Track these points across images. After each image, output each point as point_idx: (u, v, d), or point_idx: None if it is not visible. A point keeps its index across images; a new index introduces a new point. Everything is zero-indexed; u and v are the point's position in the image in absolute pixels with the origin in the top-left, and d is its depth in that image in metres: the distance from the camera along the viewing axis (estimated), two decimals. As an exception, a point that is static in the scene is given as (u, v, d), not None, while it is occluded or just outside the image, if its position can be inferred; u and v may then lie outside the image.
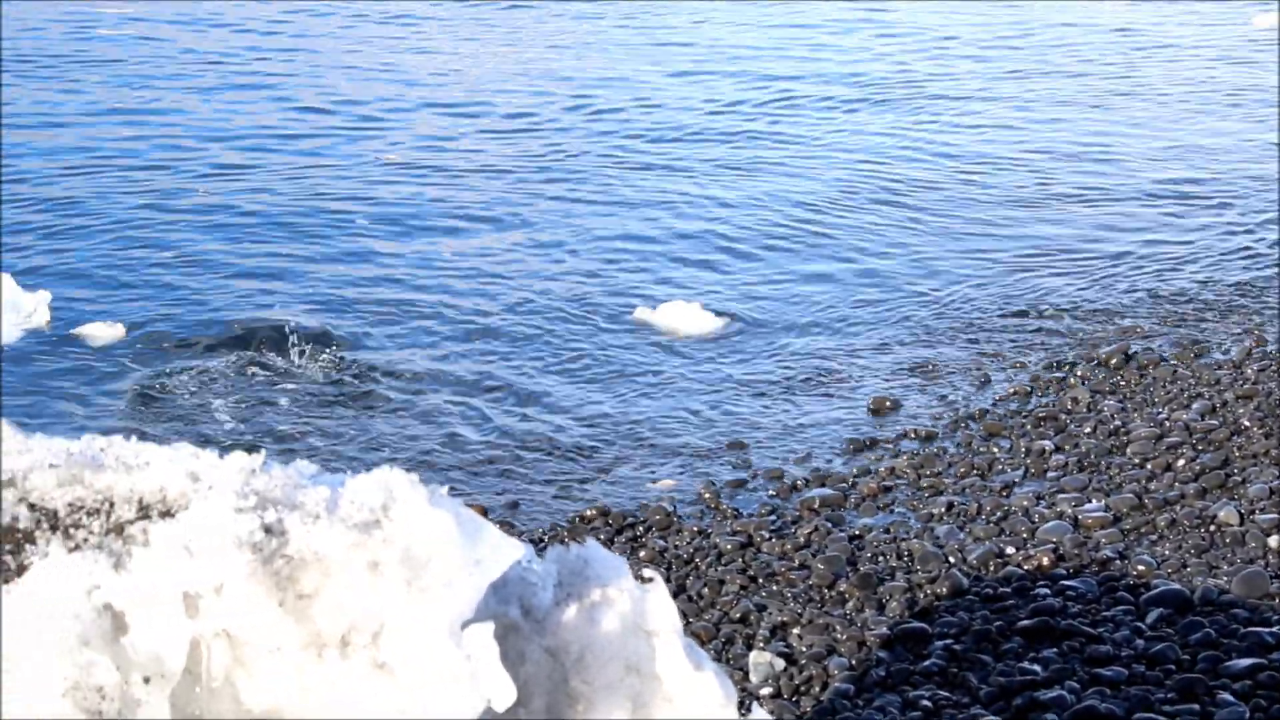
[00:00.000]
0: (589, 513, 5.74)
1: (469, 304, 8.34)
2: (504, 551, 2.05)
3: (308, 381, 7.16)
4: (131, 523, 1.87)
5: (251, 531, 1.84)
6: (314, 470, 2.06)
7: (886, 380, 7.24)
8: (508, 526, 5.57)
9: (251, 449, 2.02)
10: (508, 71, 14.90)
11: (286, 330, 7.60)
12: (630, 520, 5.63)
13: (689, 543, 5.36)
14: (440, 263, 9.08)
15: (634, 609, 2.19)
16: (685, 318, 7.94)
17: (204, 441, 6.20)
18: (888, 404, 6.91)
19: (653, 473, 6.25)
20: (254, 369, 7.29)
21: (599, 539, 5.38)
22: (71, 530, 1.86)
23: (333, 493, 1.96)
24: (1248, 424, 6.12)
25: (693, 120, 12.80)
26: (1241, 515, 5.21)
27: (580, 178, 10.89)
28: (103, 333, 7.61)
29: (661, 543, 5.38)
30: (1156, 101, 13.66)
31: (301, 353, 7.43)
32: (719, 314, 8.04)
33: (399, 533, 1.92)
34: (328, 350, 7.52)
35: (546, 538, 5.49)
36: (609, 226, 9.80)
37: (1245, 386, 6.57)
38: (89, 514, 1.88)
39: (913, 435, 6.51)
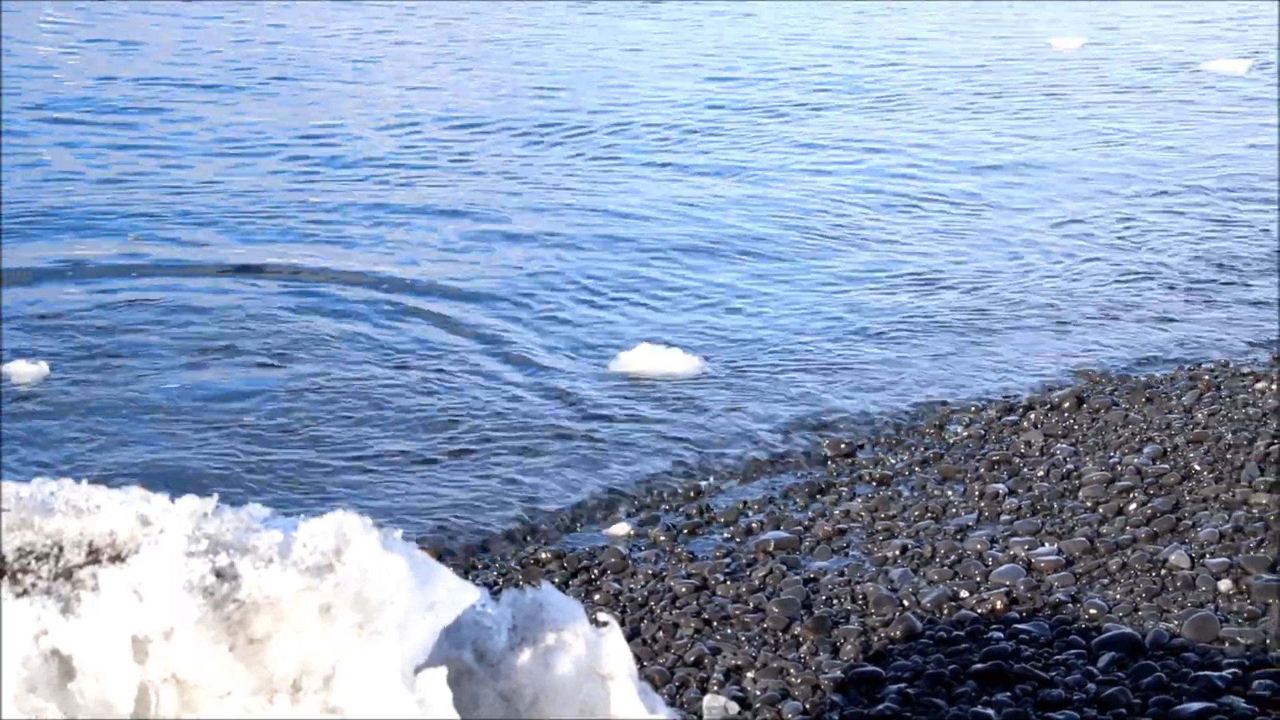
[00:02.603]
0: (544, 555, 5.72)
1: (425, 340, 8.32)
2: (458, 595, 2.05)
3: (260, 421, 7.11)
4: (81, 567, 1.86)
5: (203, 576, 1.83)
6: (266, 514, 2.06)
7: (842, 423, 7.26)
8: (462, 570, 5.55)
9: (202, 492, 2.01)
10: (476, 86, 14.94)
11: (235, 366, 7.56)
12: (585, 563, 5.62)
13: (644, 586, 5.35)
14: (396, 293, 9.08)
15: (589, 653, 2.19)
16: (649, 359, 7.96)
17: (152, 482, 6.15)
18: (843, 446, 6.94)
19: (608, 515, 6.24)
20: (198, 406, 7.23)
21: (554, 582, 5.37)
22: (19, 575, 1.85)
23: (285, 536, 1.96)
24: (1198, 468, 6.18)
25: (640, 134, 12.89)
26: (1192, 559, 5.25)
27: (528, 210, 10.92)
28: (26, 371, 7.50)
29: (616, 586, 5.37)
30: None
31: (254, 392, 7.38)
32: (683, 354, 8.04)
33: (351, 577, 1.91)
34: (282, 389, 7.48)
35: (501, 581, 5.47)
36: (573, 263, 9.84)
37: (1196, 430, 6.63)
38: (38, 559, 1.86)
39: (868, 479, 6.54)
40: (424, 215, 11.01)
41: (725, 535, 5.93)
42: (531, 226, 10.78)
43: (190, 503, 1.94)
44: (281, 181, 11.77)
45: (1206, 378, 7.56)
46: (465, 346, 8.29)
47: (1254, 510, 5.64)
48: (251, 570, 1.87)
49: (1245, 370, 7.67)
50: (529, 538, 6.03)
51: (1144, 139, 13.78)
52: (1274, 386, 7.20)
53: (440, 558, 5.59)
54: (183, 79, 15.64)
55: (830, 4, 23.02)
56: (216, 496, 1.99)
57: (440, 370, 7.88)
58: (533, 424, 7.20)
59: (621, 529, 6.06)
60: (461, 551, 5.85)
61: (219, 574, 1.84)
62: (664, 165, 12.69)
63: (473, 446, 6.91)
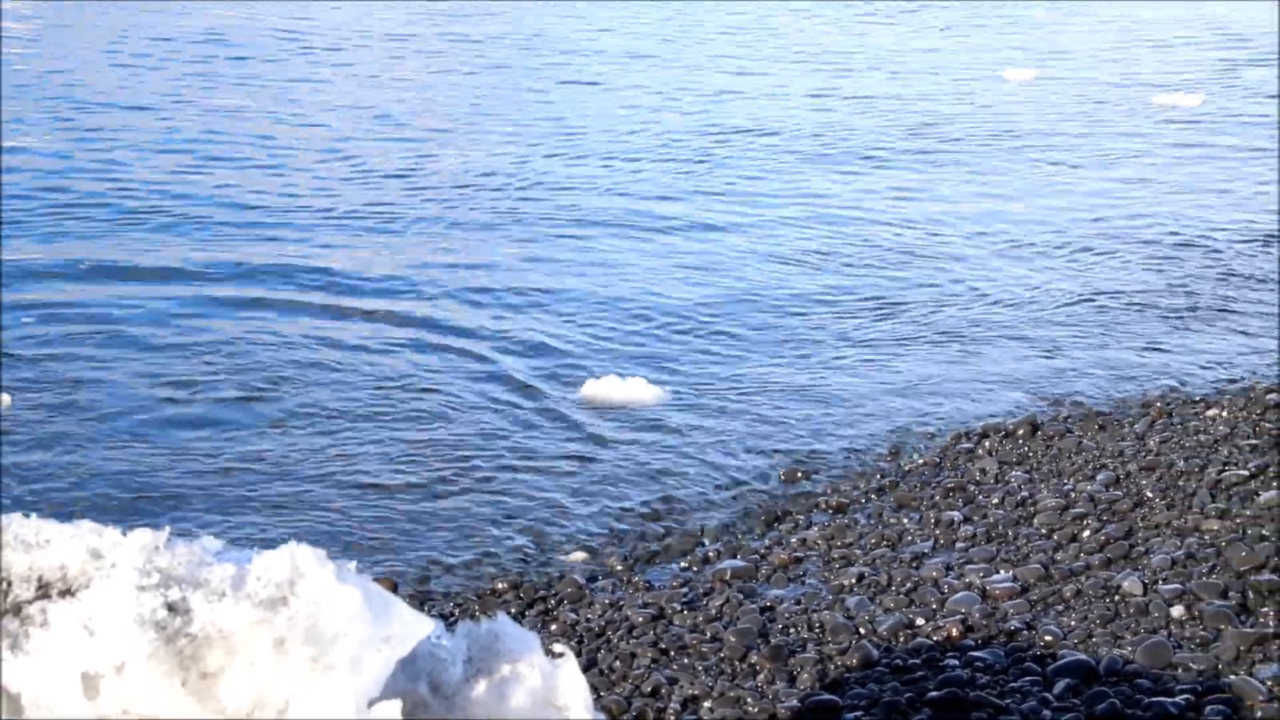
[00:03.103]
0: (501, 586, 5.71)
1: (384, 369, 8.30)
2: (413, 627, 2.05)
3: (219, 450, 7.07)
4: (30, 602, 1.84)
5: (154, 610, 1.82)
6: (219, 546, 2.05)
7: (800, 451, 7.28)
8: (418, 601, 5.53)
9: (154, 525, 2.00)
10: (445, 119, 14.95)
11: (196, 393, 7.51)
12: (542, 593, 5.61)
13: (601, 615, 5.35)
14: (361, 318, 9.06)
15: (544, 684, 2.19)
16: (614, 389, 7.96)
17: (110, 517, 6.11)
18: (799, 475, 6.96)
19: (566, 545, 6.23)
20: (158, 434, 7.18)
21: (510, 612, 5.36)
22: (-32, 610, 1.83)
23: (238, 569, 1.95)
24: (1151, 495, 6.23)
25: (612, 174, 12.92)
26: (1145, 585, 5.28)
27: (488, 241, 10.92)
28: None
29: (573, 616, 5.36)
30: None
31: (215, 420, 7.34)
32: (647, 384, 8.05)
33: (305, 609, 1.91)
34: (237, 417, 7.44)
35: (458, 612, 5.45)
36: (540, 292, 9.85)
37: (1148, 458, 6.69)
38: (-14, 593, 1.85)
39: (824, 507, 6.56)
40: (386, 235, 11.00)
41: (682, 564, 5.93)
42: (497, 252, 10.79)
43: (142, 536, 1.93)
44: (234, 192, 11.74)
45: (1158, 405, 7.63)
46: (426, 375, 8.27)
47: (1205, 537, 5.68)
48: (204, 604, 1.86)
49: (1196, 398, 7.74)
50: (486, 568, 6.02)
51: (1095, 169, 13.92)
52: (1225, 413, 7.28)
53: (396, 589, 5.59)
54: (147, 83, 15.57)
55: (777, 33, 23.19)
56: (169, 529, 1.97)
57: (399, 399, 7.87)
58: (492, 454, 7.19)
59: (579, 558, 6.06)
60: (417, 582, 5.83)
61: (171, 608, 1.83)
62: (627, 193, 12.72)
63: (429, 476, 6.89)
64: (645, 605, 5.39)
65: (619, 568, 5.88)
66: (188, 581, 1.89)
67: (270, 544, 2.12)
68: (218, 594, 1.88)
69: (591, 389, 7.99)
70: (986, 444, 7.19)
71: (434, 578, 5.89)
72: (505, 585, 5.69)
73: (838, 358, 8.65)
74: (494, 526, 6.39)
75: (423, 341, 8.83)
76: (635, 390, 7.95)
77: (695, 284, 10.14)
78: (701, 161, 14.04)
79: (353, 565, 2.08)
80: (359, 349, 8.62)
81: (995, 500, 6.37)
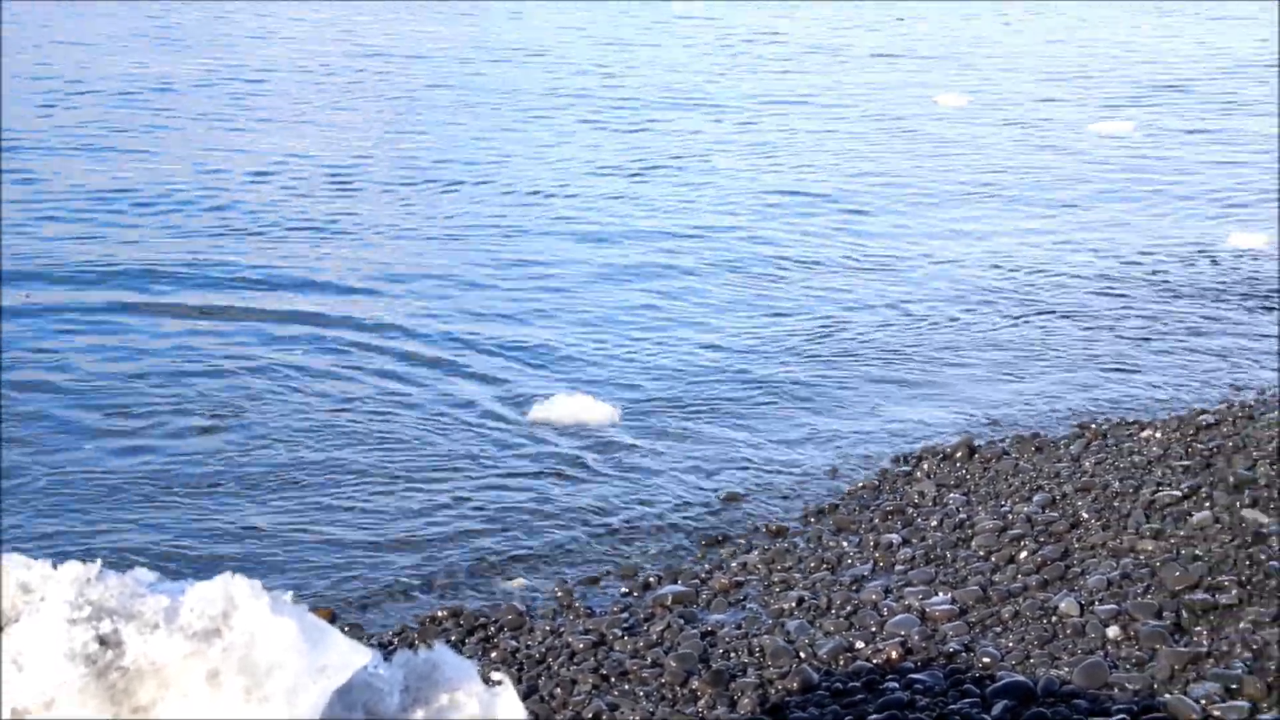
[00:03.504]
0: (440, 613, 5.68)
1: (329, 391, 8.25)
2: (349, 657, 2.03)
3: (155, 478, 6.99)
4: (-42, 637, 1.81)
5: (85, 644, 1.79)
6: (153, 578, 2.03)
7: (741, 473, 7.30)
8: (356, 630, 5.49)
9: (86, 556, 1.97)
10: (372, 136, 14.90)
11: (132, 420, 7.43)
12: (482, 620, 5.58)
13: (541, 642, 5.33)
14: (299, 339, 9.00)
15: (482, 713, 2.18)
16: (565, 408, 7.94)
17: (43, 549, 6.04)
18: (740, 497, 6.98)
19: (507, 571, 6.21)
20: (89, 467, 7.10)
21: (450, 640, 5.33)
22: (-106, 645, 1.80)
23: (172, 601, 1.93)
24: (1086, 516, 6.29)
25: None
26: (1082, 606, 5.33)
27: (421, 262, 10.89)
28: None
29: (514, 643, 5.34)
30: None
31: (149, 449, 7.26)
32: (597, 402, 8.04)
33: (240, 641, 1.89)
34: (175, 446, 7.36)
35: (397, 640, 5.41)
36: (492, 311, 9.85)
37: (1083, 479, 6.76)
38: (-87, 628, 1.82)
39: (764, 530, 6.58)
40: (329, 256, 10.95)
41: (623, 590, 5.93)
42: (447, 271, 10.78)
43: (73, 569, 1.90)
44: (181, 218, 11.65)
45: (1094, 426, 7.72)
46: (369, 397, 8.22)
47: (1140, 557, 5.75)
48: (136, 636, 1.84)
49: (1130, 419, 7.83)
50: (426, 595, 5.98)
51: (1027, 192, 14.08)
52: (1158, 435, 7.37)
53: (334, 619, 5.55)
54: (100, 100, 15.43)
55: (713, 59, 23.32)
56: (100, 562, 1.95)
57: (340, 423, 7.81)
58: (434, 478, 7.15)
59: (520, 584, 6.04)
60: (357, 611, 5.79)
61: (102, 641, 1.81)
62: (577, 214, 12.73)
63: (370, 503, 6.85)
64: (586, 631, 5.38)
65: (560, 593, 5.87)
66: (120, 614, 1.87)
67: (204, 573, 2.10)
68: (150, 626, 1.86)
69: (541, 410, 7.98)
70: (924, 466, 7.24)
71: (374, 605, 5.85)
72: (445, 612, 5.67)
73: (778, 379, 8.69)
74: (436, 552, 6.35)
75: (365, 363, 8.78)
76: (584, 410, 7.94)
77: (646, 305, 10.14)
78: (636, 178, 14.08)
79: (288, 595, 2.07)
80: (299, 370, 8.56)
81: (933, 522, 6.41)
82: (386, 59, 21.93)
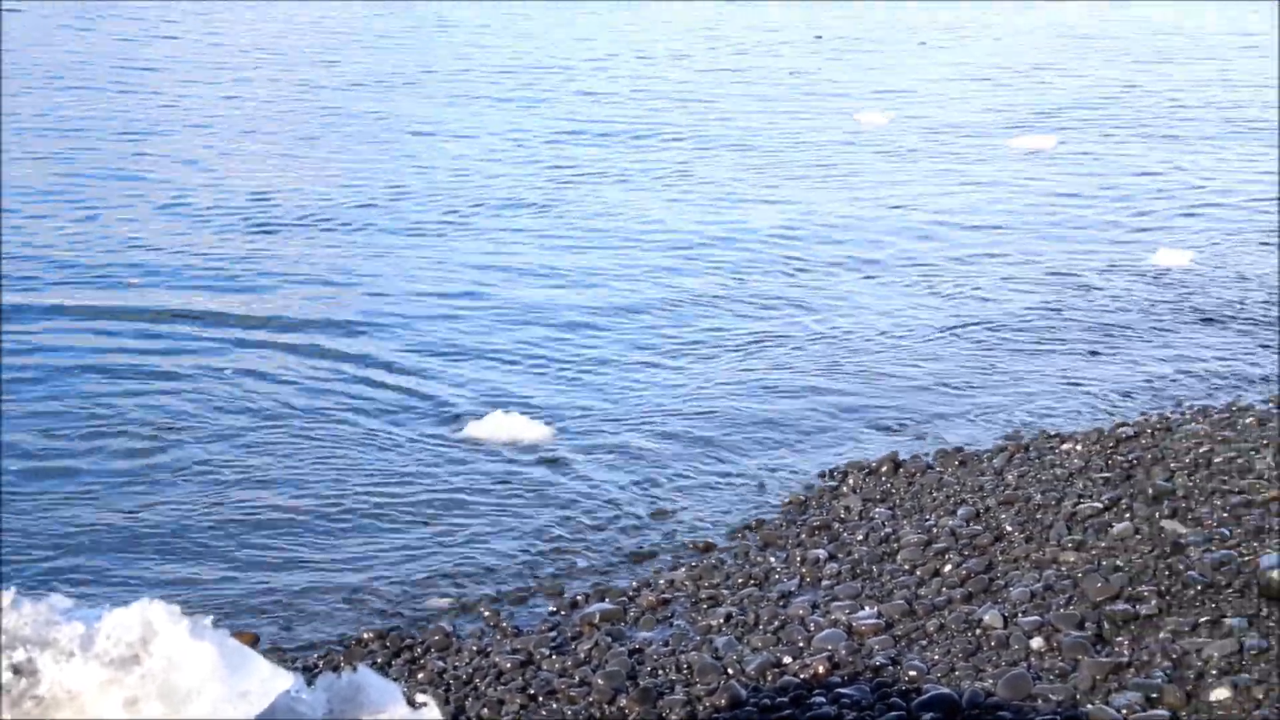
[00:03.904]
0: (366, 635, 5.63)
1: (259, 406, 8.16)
2: (270, 682, 2.01)
3: (72, 503, 6.89)
4: None
5: (-2, 673, 1.76)
6: (69, 605, 2.00)
7: (668, 489, 7.31)
8: (280, 654, 5.43)
9: None
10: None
11: (63, 432, 7.31)
12: (409, 641, 5.54)
13: (468, 662, 5.30)
14: (231, 356, 8.92)
15: (406, 736, 2.16)
16: (498, 426, 7.91)
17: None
18: (667, 513, 6.98)
19: (434, 591, 6.17)
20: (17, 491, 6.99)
21: (376, 662, 5.29)
22: None
23: (88, 628, 1.90)
24: (1009, 529, 6.35)
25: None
26: (1005, 618, 5.39)
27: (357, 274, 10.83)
28: None
29: (441, 664, 5.30)
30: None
31: (70, 471, 7.15)
32: (531, 422, 8.01)
33: (158, 667, 1.87)
34: (95, 473, 7.26)
35: (322, 663, 5.36)
36: (426, 327, 9.80)
37: (1007, 492, 6.83)
38: None
39: (692, 546, 6.58)
40: (263, 274, 10.87)
41: (551, 608, 5.91)
42: (380, 290, 10.72)
43: (-15, 596, 1.87)
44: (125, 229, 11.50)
45: (1016, 440, 7.80)
46: (296, 413, 8.14)
47: (1062, 569, 5.81)
48: (52, 664, 1.81)
49: (1052, 432, 7.92)
50: (352, 616, 5.93)
51: (953, 209, 14.22)
52: (1079, 447, 7.46)
53: (256, 642, 5.49)
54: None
55: (638, 77, 23.40)
56: (14, 590, 1.92)
57: (267, 440, 7.73)
58: (362, 497, 7.09)
59: (446, 604, 6.00)
60: (280, 633, 5.72)
61: (16, 670, 1.78)
62: (517, 229, 12.71)
63: (297, 522, 6.78)
64: (513, 651, 5.36)
65: (487, 613, 5.84)
66: (34, 642, 1.84)
67: (123, 599, 2.07)
68: (66, 654, 1.84)
69: (474, 429, 7.94)
70: (850, 481, 7.28)
71: (298, 628, 5.78)
72: (371, 634, 5.62)
73: (709, 397, 8.71)
74: (362, 573, 6.30)
75: (294, 379, 8.70)
76: (517, 428, 7.91)
77: (580, 324, 10.12)
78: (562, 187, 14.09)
79: (208, 620, 2.05)
80: (228, 387, 8.47)
81: (860, 537, 6.45)
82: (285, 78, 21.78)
